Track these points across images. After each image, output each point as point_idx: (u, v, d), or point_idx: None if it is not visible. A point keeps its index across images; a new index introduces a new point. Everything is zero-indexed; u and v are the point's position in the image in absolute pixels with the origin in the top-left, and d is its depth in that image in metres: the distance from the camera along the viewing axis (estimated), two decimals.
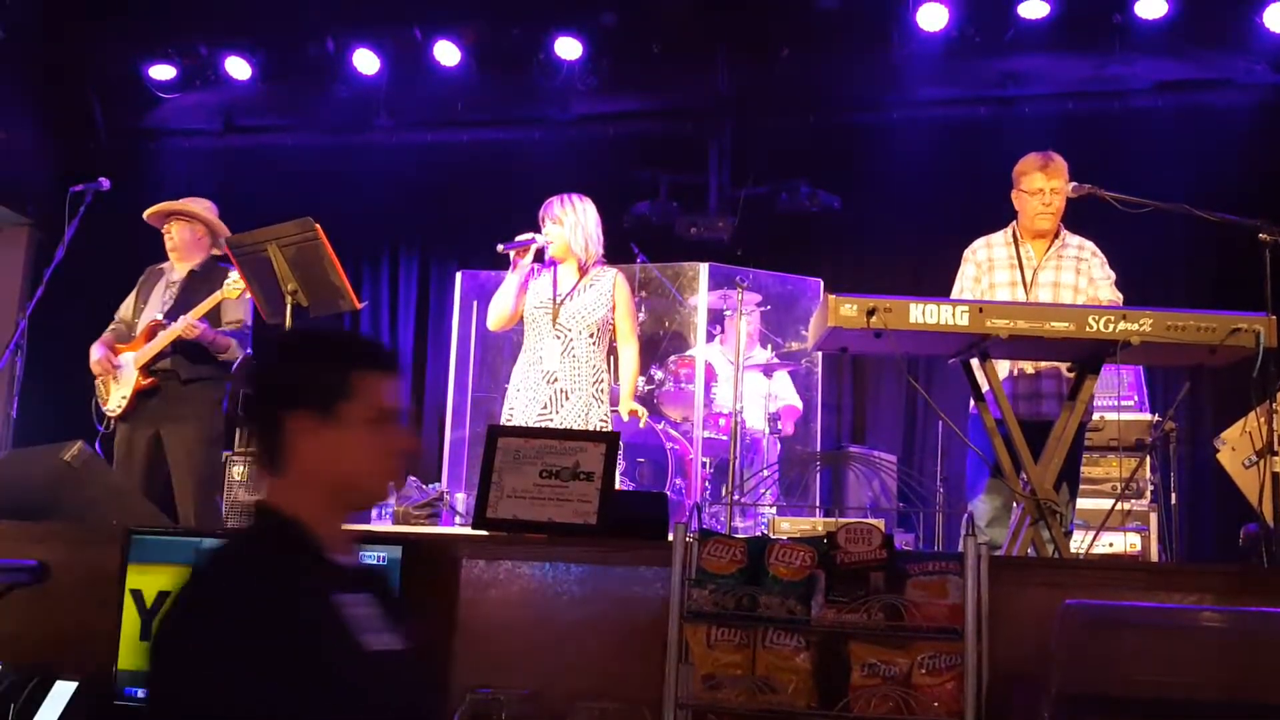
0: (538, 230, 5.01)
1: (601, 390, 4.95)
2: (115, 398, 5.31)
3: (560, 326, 4.92)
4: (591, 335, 4.94)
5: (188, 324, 5.19)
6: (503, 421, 5.00)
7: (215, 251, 5.59)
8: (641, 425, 5.41)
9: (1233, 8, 7.31)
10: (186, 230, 5.53)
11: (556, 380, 4.88)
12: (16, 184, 8.55)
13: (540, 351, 4.94)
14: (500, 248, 4.98)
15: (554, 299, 4.95)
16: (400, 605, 2.10)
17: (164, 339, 5.25)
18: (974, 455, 4.54)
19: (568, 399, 4.86)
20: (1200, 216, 4.34)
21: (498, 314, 5.05)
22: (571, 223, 4.98)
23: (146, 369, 5.28)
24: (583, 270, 5.02)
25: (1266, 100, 7.59)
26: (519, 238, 4.97)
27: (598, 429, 4.83)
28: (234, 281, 5.23)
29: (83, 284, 6.31)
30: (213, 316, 5.34)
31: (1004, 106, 8.01)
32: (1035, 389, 4.53)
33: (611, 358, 5.22)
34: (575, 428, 4.77)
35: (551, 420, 4.82)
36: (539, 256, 5.00)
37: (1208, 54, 7.55)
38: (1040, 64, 7.83)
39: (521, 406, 4.91)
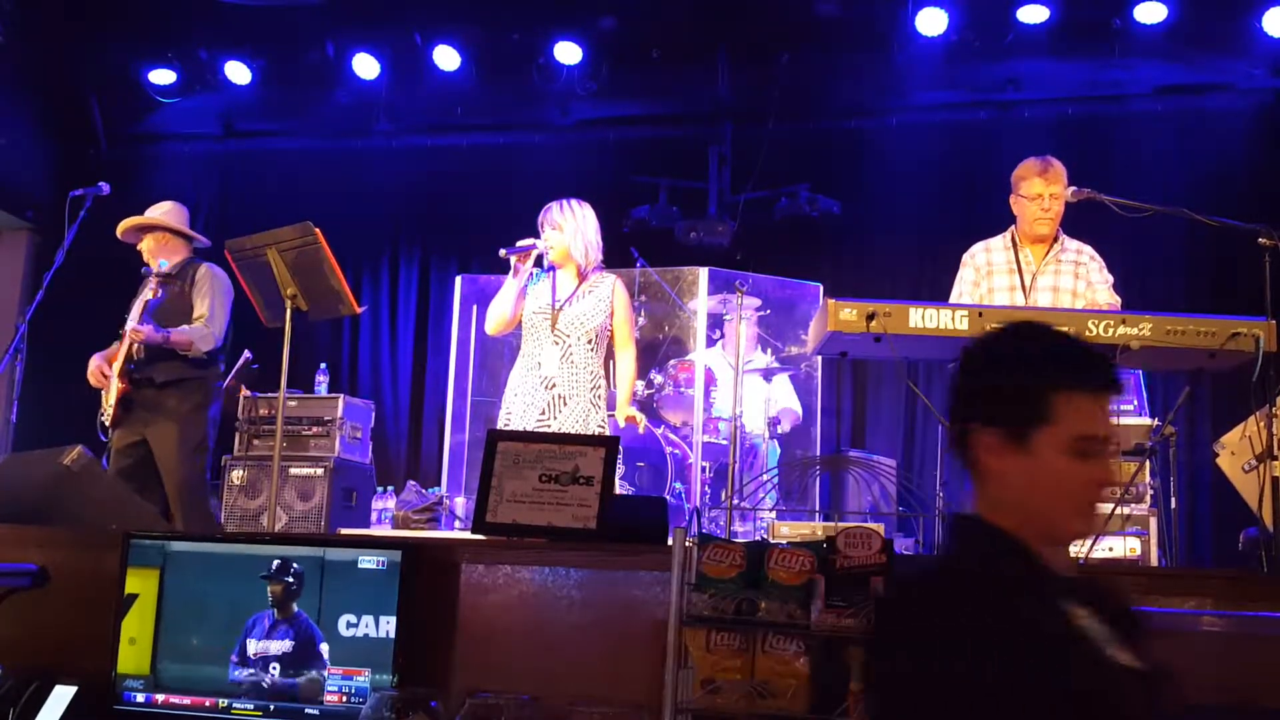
0: (537, 235, 5.00)
1: (599, 396, 4.95)
2: (107, 406, 5.36)
3: (559, 332, 4.91)
4: (590, 341, 4.94)
5: (131, 329, 5.25)
6: (499, 425, 5.00)
7: (197, 244, 5.63)
8: (640, 431, 5.40)
9: (1232, 12, 7.31)
10: (153, 241, 5.58)
11: (554, 386, 4.87)
12: (16, 188, 8.55)
13: (539, 357, 4.93)
14: (502, 253, 4.97)
15: (553, 304, 4.95)
16: (1132, 622, 1.80)
17: (126, 346, 5.30)
18: None
19: (565, 404, 4.85)
20: (1200, 221, 4.34)
21: (496, 318, 5.04)
22: (571, 229, 4.97)
23: (124, 376, 5.31)
24: (582, 276, 5.01)
25: (1266, 104, 7.60)
26: (520, 243, 4.97)
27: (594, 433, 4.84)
28: (146, 284, 5.35)
29: (83, 288, 6.31)
30: (181, 317, 5.35)
31: (1004, 111, 8.02)
32: None
33: (609, 363, 5.21)
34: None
35: (549, 425, 4.81)
36: (539, 262, 5.00)
37: (1207, 58, 7.56)
38: (1040, 68, 7.84)
39: (519, 411, 4.90)
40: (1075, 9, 7.40)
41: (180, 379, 5.36)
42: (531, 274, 5.02)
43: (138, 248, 5.61)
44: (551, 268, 5.01)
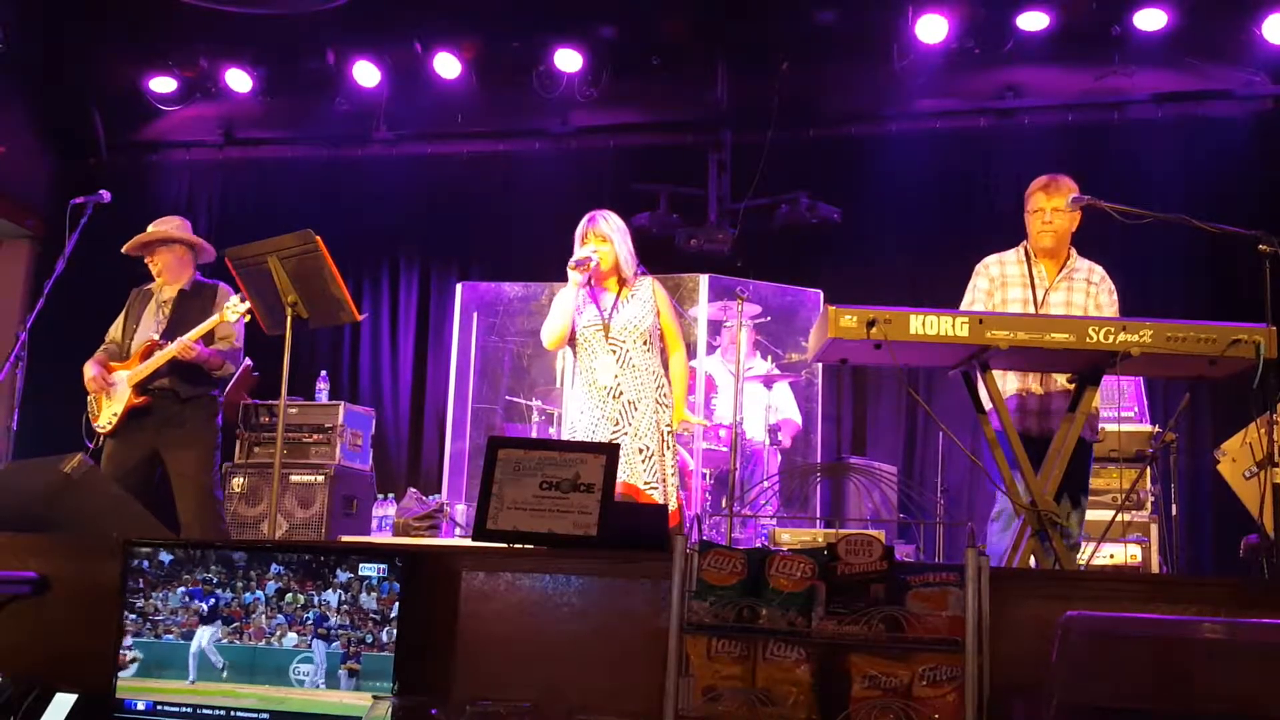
0: (558, 245, 5.00)
1: (665, 395, 4.97)
2: (106, 414, 5.33)
3: (614, 340, 4.92)
4: (645, 343, 4.95)
5: (184, 345, 5.23)
6: None
7: (205, 258, 5.62)
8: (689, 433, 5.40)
9: (1232, 19, 7.33)
10: (169, 255, 5.53)
11: (621, 394, 4.87)
12: (17, 197, 8.57)
13: (596, 371, 4.93)
14: (571, 264, 4.91)
15: (601, 315, 4.95)
16: None
17: (160, 359, 5.27)
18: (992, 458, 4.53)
19: (636, 409, 4.87)
20: (1200, 228, 4.34)
21: (557, 331, 5.00)
22: (618, 239, 5.00)
23: (140, 387, 5.30)
24: (623, 283, 5.02)
25: (1265, 111, 7.62)
26: (578, 254, 4.93)
27: (665, 435, 4.89)
28: (232, 305, 5.27)
29: (83, 296, 6.32)
30: (206, 335, 5.36)
31: (1003, 118, 8.03)
32: (1045, 406, 4.53)
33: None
34: (649, 438, 4.82)
35: (626, 434, 4.81)
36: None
37: (1207, 65, 7.57)
38: (1039, 75, 7.85)
39: (586, 427, 4.88)
40: (1075, 16, 7.41)
41: (201, 395, 5.40)
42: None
43: (146, 261, 5.58)
44: (589, 280, 4.98)
